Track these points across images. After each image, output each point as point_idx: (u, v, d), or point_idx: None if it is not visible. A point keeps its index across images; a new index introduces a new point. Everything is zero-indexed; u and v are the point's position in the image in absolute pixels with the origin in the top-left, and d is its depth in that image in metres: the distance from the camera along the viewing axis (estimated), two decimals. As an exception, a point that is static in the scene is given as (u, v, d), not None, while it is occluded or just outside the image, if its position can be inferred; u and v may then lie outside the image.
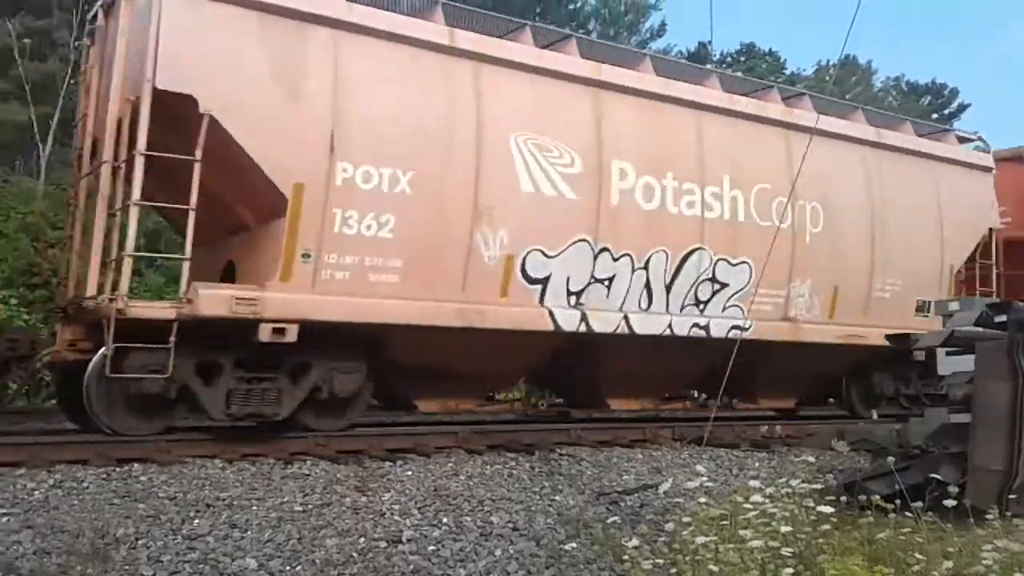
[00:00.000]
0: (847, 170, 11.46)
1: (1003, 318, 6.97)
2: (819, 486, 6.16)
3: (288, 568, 5.26)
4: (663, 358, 10.04)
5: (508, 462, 8.07)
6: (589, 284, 9.30)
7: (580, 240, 9.20)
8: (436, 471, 7.49)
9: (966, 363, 7.07)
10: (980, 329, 7.09)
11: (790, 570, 4.10)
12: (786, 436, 10.24)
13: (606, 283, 9.41)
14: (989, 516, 5.08)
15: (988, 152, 13.52)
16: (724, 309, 10.23)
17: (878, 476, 6.61)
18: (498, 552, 5.82)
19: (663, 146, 9.85)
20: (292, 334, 7.59)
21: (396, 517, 6.21)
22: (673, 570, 4.48)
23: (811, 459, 7.72)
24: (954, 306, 7.61)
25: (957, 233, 12.41)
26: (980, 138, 13.96)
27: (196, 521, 5.73)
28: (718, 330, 9.99)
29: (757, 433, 10.29)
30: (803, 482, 5.16)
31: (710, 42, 35.94)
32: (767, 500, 4.67)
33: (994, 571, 4.19)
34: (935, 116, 40.95)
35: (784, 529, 4.36)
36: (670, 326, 9.75)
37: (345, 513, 6.17)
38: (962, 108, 46.41)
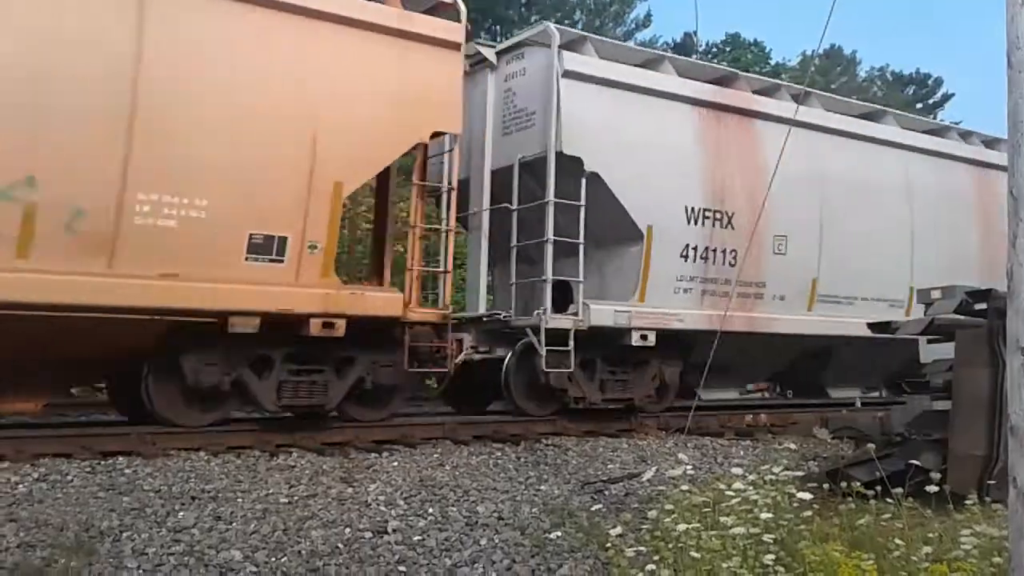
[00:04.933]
0: None
1: (983, 305, 7.02)
2: (801, 473, 6.23)
3: (273, 559, 5.26)
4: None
5: (494, 452, 8.11)
6: None
7: None
8: (422, 462, 7.51)
9: (947, 350, 7.13)
10: (960, 316, 7.14)
11: (771, 556, 4.13)
12: (770, 424, 10.31)
13: None
14: (969, 501, 5.09)
15: (460, 24, 8.90)
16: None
17: (860, 463, 6.66)
18: (483, 542, 5.84)
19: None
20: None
21: (382, 508, 6.22)
22: (656, 557, 4.51)
23: (794, 447, 7.77)
24: (936, 294, 7.65)
25: (346, 132, 8.13)
26: (455, 4, 8.94)
27: (181, 514, 5.73)
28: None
29: (742, 421, 10.36)
30: (785, 469, 5.20)
31: (695, 32, 35.89)
32: (749, 487, 4.70)
33: (973, 556, 4.21)
34: (919, 106, 41.13)
35: (765, 516, 4.39)
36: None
37: (331, 504, 6.18)
38: (946, 98, 46.75)
